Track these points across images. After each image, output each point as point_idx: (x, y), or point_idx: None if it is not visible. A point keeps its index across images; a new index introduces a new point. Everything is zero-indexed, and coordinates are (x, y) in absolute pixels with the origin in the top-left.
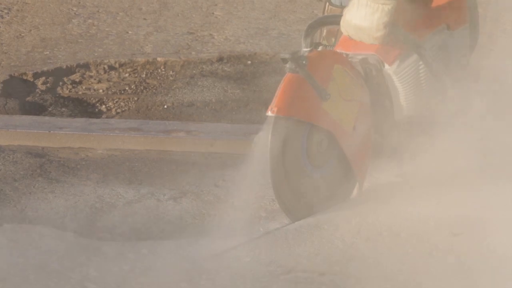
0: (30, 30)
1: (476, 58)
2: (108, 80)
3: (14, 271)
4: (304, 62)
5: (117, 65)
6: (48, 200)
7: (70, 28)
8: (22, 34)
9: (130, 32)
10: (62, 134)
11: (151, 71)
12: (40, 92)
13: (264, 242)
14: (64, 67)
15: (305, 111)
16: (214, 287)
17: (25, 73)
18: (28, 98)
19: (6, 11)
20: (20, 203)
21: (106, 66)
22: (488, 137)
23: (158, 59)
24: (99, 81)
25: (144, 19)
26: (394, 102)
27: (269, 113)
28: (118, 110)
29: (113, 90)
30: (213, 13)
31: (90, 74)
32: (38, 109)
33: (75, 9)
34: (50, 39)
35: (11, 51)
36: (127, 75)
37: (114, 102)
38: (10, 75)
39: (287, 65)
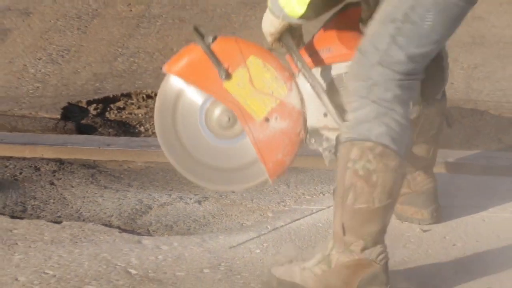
0: (85, 67)
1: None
2: (146, 107)
3: (72, 259)
4: (210, 39)
5: (153, 95)
6: (98, 202)
7: (116, 65)
8: (78, 70)
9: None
10: (109, 150)
11: None
12: (92, 116)
13: (271, 237)
14: (111, 96)
15: (197, 79)
16: (230, 272)
17: (80, 101)
18: (83, 121)
19: (66, 52)
20: (76, 205)
21: (144, 95)
22: None
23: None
24: (139, 107)
25: None
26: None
27: (163, 68)
28: (154, 131)
29: (150, 115)
30: None
31: (132, 101)
32: (90, 130)
33: (120, 50)
34: (100, 74)
35: (69, 83)
36: None
37: (151, 124)
38: (69, 103)
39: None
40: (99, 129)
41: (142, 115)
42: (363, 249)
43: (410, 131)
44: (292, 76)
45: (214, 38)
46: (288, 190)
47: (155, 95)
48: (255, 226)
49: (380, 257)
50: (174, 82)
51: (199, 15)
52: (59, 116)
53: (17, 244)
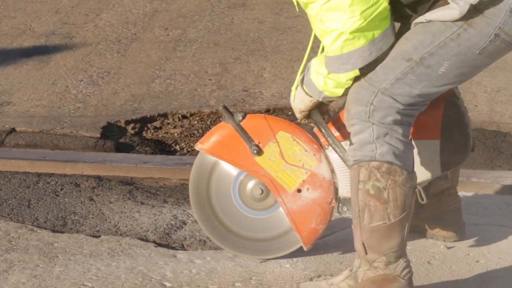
0: (123, 88)
1: None
2: (181, 126)
3: (110, 271)
4: (240, 117)
5: (188, 115)
6: (135, 218)
7: (153, 86)
8: (118, 91)
9: (198, 89)
10: (146, 167)
11: (214, 119)
12: (130, 135)
13: (300, 253)
14: (148, 116)
15: (229, 155)
16: (261, 286)
17: (119, 121)
18: (121, 140)
19: (106, 73)
20: (114, 220)
21: (180, 116)
22: None
23: (220, 110)
24: (175, 127)
25: (209, 79)
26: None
27: (196, 146)
28: (189, 149)
29: (185, 134)
30: (262, 75)
31: (168, 121)
32: (128, 148)
33: (157, 72)
34: (138, 95)
35: (109, 104)
36: (196, 122)
37: (186, 143)
38: (108, 122)
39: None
40: (137, 148)
41: (177, 134)
42: (387, 264)
43: (413, 147)
44: (321, 148)
45: (244, 116)
46: None
47: (191, 115)
48: None
49: (405, 272)
50: (208, 156)
51: (233, 39)
52: (98, 135)
53: (57, 256)
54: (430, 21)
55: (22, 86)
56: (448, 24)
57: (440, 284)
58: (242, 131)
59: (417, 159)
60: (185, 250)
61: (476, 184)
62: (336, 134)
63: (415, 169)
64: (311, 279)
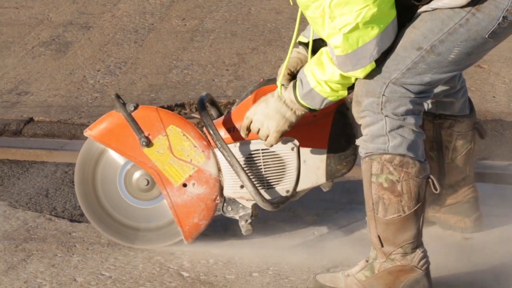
0: (141, 78)
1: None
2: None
3: (127, 261)
4: (132, 107)
5: None
6: None
7: (171, 77)
8: (135, 81)
9: (215, 80)
10: None
11: (231, 109)
12: None
13: (317, 243)
14: (166, 106)
15: (118, 144)
16: (279, 276)
17: None
18: None
19: (123, 64)
20: None
21: (197, 106)
22: None
23: (237, 100)
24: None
25: (227, 70)
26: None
27: (85, 132)
28: None
29: (202, 124)
30: (279, 66)
31: (185, 111)
32: None
33: (174, 62)
34: (155, 85)
35: (126, 94)
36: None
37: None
38: None
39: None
40: None
41: (195, 124)
42: (404, 255)
43: (423, 136)
44: (210, 145)
45: (136, 107)
46: (334, 198)
47: None
48: (303, 232)
49: (422, 262)
50: (97, 143)
51: (250, 30)
52: None
53: (75, 246)
54: (435, 9)
55: (40, 76)
56: (456, 10)
57: (457, 275)
58: (133, 122)
59: (303, 166)
60: (202, 240)
61: (494, 175)
62: (226, 136)
63: (301, 176)
64: (328, 270)
